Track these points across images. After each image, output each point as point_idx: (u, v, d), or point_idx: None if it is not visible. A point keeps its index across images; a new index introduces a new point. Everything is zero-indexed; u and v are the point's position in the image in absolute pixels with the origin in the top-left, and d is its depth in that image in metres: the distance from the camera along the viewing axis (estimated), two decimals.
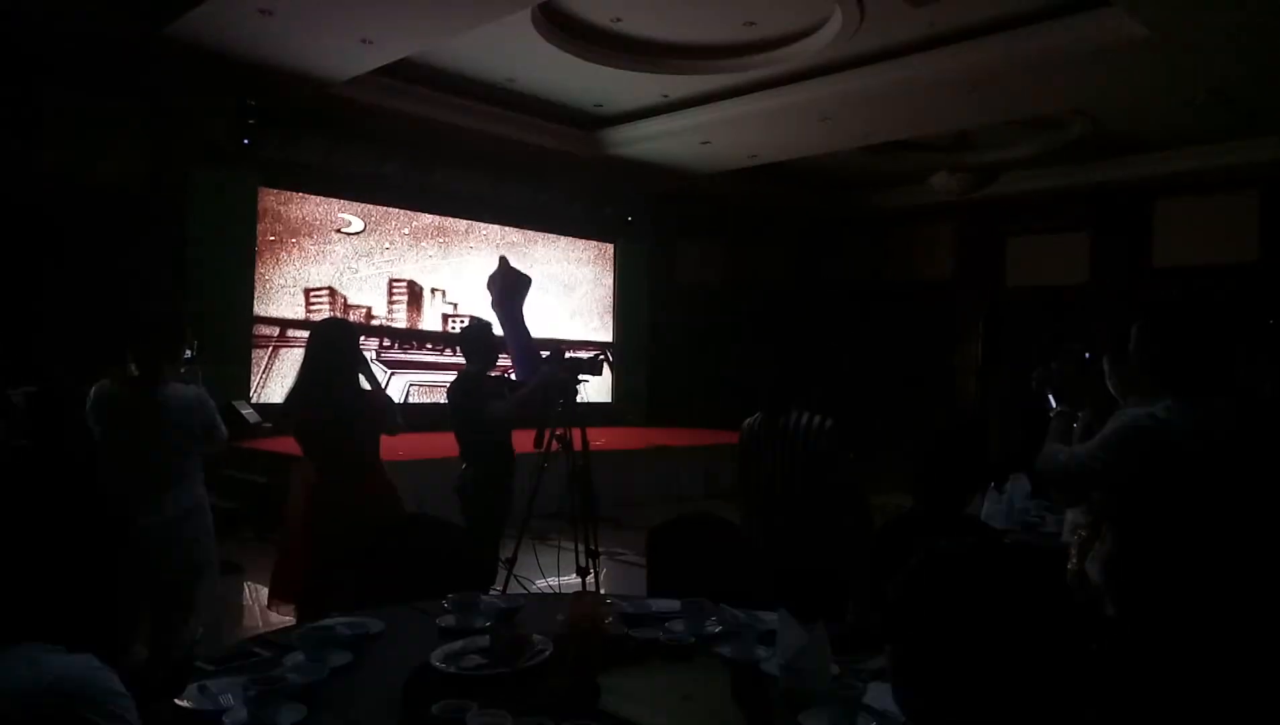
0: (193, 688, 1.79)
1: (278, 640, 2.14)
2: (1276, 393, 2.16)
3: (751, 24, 7.40)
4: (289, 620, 3.45)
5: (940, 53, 7.31)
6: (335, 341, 3.56)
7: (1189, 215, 10.57)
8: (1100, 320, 10.52)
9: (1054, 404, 2.65)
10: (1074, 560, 3.13)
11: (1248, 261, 10.01)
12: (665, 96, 8.86)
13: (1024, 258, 12.04)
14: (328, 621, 2.20)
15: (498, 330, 4.67)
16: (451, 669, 1.94)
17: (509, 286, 5.20)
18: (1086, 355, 2.90)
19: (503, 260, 5.49)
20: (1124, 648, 2.07)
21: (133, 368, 3.25)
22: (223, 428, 3.46)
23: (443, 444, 4.72)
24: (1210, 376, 2.15)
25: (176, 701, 1.74)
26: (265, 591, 3.58)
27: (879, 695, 1.71)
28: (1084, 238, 11.40)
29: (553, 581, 5.36)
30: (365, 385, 3.60)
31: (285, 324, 9.05)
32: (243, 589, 5.61)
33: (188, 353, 3.48)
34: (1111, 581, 2.21)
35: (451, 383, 4.53)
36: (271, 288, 9.01)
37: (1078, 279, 11.37)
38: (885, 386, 12.04)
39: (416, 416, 6.33)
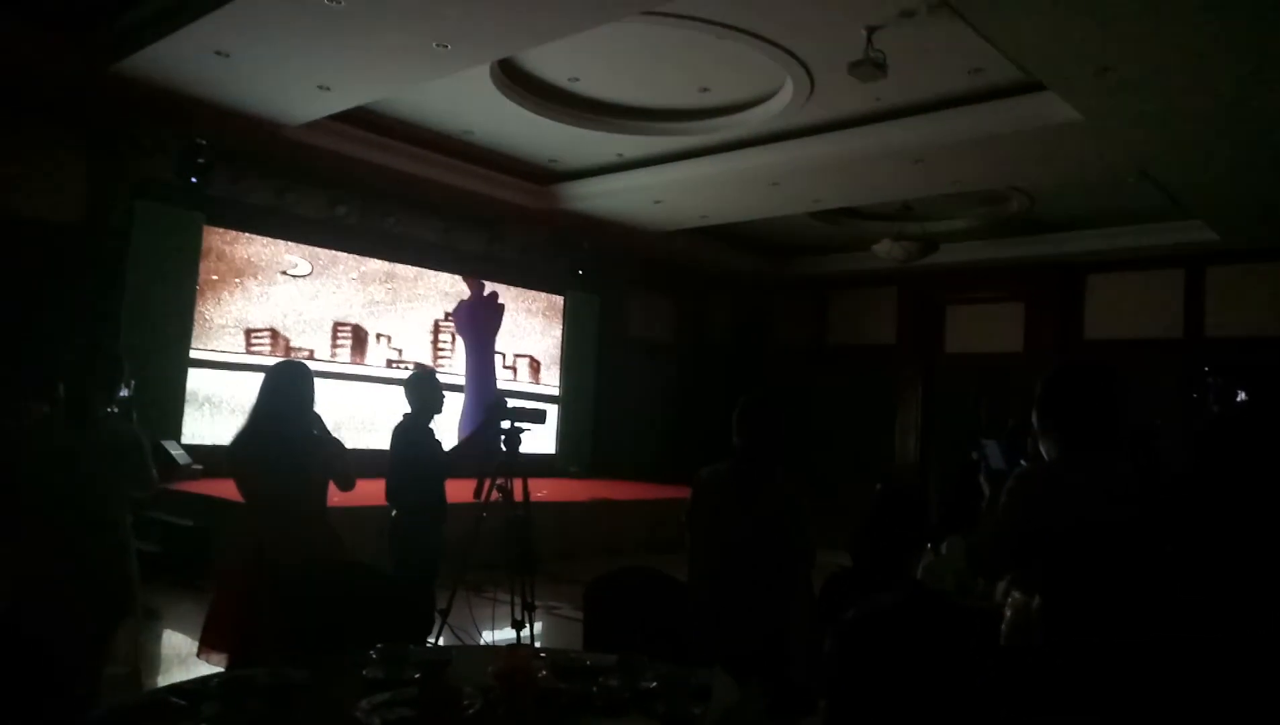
0: None
1: (194, 689, 2.05)
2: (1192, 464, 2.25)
3: (706, 90, 7.60)
4: (212, 669, 3.31)
5: (886, 126, 7.59)
6: (291, 385, 3.48)
7: (1119, 291, 11.03)
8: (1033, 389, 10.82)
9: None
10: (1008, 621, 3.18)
11: (1173, 337, 10.46)
12: (620, 156, 9.00)
13: (962, 326, 12.40)
14: (247, 671, 2.12)
15: (445, 376, 4.63)
16: (376, 722, 1.88)
17: (484, 314, 5.06)
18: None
19: (481, 285, 5.38)
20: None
21: (64, 403, 3.13)
22: (155, 473, 3.33)
23: (376, 491, 4.63)
24: (1095, 432, 2.25)
25: None
26: (184, 639, 3.43)
27: None
28: (1019, 308, 11.80)
29: (487, 635, 5.25)
30: (317, 432, 3.52)
31: (223, 365, 8.86)
32: (161, 636, 5.38)
33: (124, 391, 3.36)
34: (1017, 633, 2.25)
35: (395, 426, 4.50)
36: (211, 327, 8.84)
37: (1012, 347, 11.72)
38: (829, 448, 12.18)
39: (355, 462, 6.21)
